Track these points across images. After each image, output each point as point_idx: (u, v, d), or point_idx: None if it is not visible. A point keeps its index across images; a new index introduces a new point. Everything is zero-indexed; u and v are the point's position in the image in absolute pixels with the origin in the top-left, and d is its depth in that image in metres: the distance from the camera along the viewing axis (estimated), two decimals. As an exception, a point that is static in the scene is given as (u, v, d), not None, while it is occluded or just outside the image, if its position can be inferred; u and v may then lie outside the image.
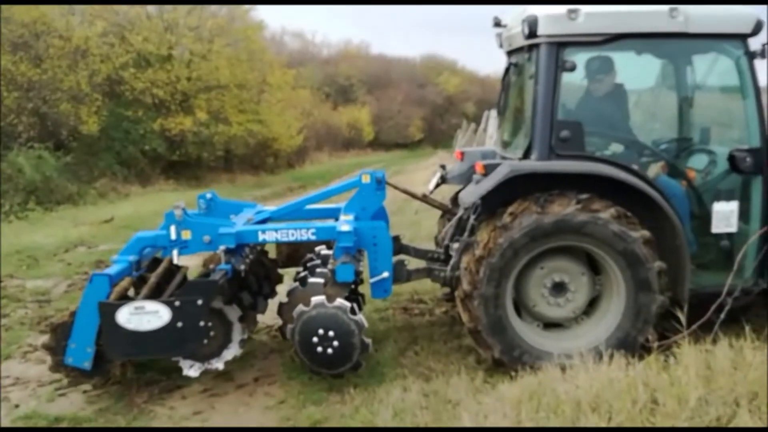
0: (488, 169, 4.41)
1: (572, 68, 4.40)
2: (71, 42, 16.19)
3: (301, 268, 5.16)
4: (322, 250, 5.14)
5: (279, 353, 4.94)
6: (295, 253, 5.31)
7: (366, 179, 4.87)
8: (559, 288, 4.41)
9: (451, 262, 4.68)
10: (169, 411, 4.16)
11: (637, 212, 4.24)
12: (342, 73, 46.85)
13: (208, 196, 5.07)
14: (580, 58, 4.52)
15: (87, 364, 4.15)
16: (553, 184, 4.25)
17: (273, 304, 6.38)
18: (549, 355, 4.22)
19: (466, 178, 5.14)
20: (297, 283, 4.74)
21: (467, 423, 3.47)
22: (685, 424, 3.29)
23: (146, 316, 4.02)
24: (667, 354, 3.89)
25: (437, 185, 5.48)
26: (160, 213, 13.01)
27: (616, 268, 4.27)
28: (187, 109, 19.49)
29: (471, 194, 4.45)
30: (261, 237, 4.56)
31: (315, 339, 4.10)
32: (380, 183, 4.88)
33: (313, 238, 4.57)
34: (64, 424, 3.97)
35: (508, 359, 4.27)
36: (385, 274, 4.58)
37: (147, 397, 4.34)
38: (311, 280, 4.50)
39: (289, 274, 5.56)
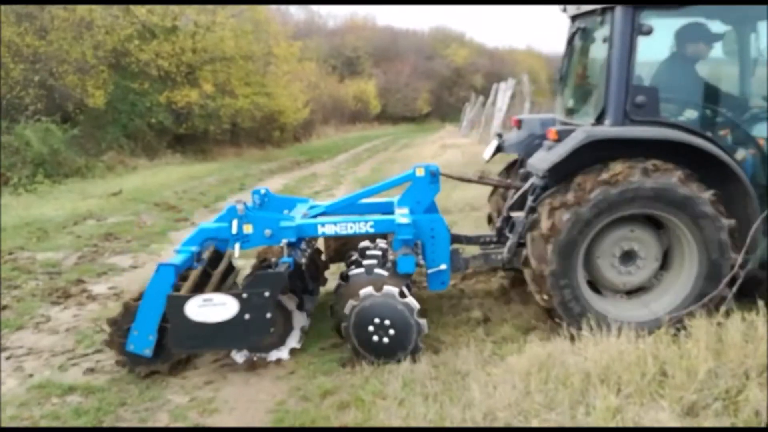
0: (561, 135, 4.36)
1: (649, 32, 4.30)
2: (76, 13, 16.08)
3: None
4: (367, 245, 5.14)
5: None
6: (342, 248, 5.32)
7: (420, 173, 4.86)
8: (628, 256, 4.38)
9: (508, 243, 4.71)
10: (181, 380, 4.21)
11: (710, 179, 4.18)
12: (348, 44, 46.50)
13: (263, 191, 5.11)
14: (655, 22, 4.39)
15: (148, 351, 4.16)
16: (624, 151, 4.18)
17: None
18: (628, 324, 4.07)
19: (525, 146, 5.10)
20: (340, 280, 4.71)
21: (476, 394, 3.49)
22: (694, 397, 3.31)
23: (214, 308, 4.03)
24: (679, 327, 3.89)
25: (494, 154, 5.42)
26: (168, 186, 13.08)
27: (686, 231, 4.17)
28: (193, 82, 19.42)
29: (544, 161, 4.35)
30: (321, 230, 4.61)
31: (371, 330, 4.10)
32: (434, 176, 4.86)
33: (371, 230, 4.59)
34: (77, 394, 4.02)
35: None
36: (443, 266, 4.61)
37: (160, 366, 4.39)
38: (353, 272, 4.48)
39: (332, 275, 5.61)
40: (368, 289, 4.13)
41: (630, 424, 3.16)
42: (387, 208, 5.09)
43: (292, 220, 4.63)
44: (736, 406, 3.28)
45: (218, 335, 4.07)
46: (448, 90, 49.18)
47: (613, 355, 3.57)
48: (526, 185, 4.77)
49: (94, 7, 16.71)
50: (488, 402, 3.42)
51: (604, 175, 4.09)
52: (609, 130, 4.27)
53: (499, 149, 5.33)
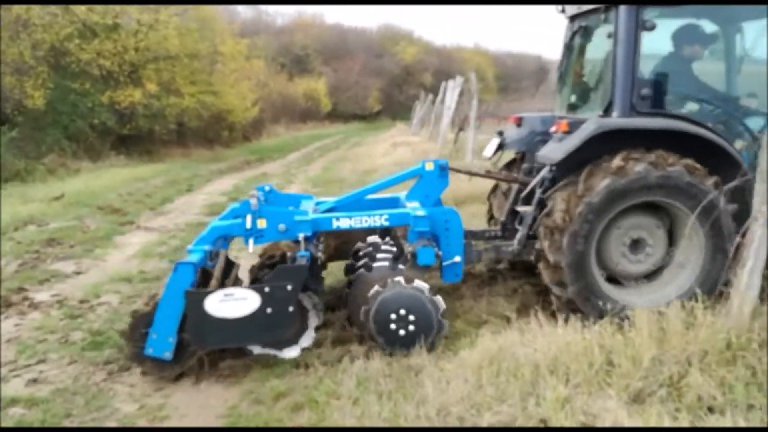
0: (572, 127, 4.48)
1: (652, 27, 4.48)
2: (11, 11, 15.46)
3: (350, 260, 5.13)
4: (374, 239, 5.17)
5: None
6: (342, 246, 5.29)
7: (429, 167, 4.93)
8: (637, 244, 4.51)
9: (518, 236, 4.80)
10: (129, 389, 4.10)
11: (712, 168, 4.35)
12: (297, 42, 46.16)
13: (267, 188, 5.02)
14: (657, 19, 4.56)
15: (168, 355, 4.08)
16: (630, 142, 4.31)
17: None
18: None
19: (526, 143, 5.23)
20: (362, 270, 4.68)
21: (430, 390, 3.52)
22: (640, 384, 3.42)
23: (235, 303, 3.99)
24: (622, 316, 4.00)
25: (496, 151, 5.51)
26: (112, 188, 12.67)
27: (692, 217, 4.26)
28: (137, 81, 18.91)
29: (557, 151, 4.45)
30: (335, 224, 4.58)
31: (392, 319, 4.11)
32: (443, 170, 4.91)
33: (386, 224, 4.60)
34: (19, 406, 3.87)
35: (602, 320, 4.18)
36: (457, 258, 4.63)
37: (106, 375, 4.27)
38: (376, 264, 4.49)
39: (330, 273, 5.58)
40: (399, 279, 4.16)
41: (579, 414, 3.24)
42: (393, 204, 5.11)
43: (306, 215, 4.59)
44: (679, 392, 3.41)
45: (239, 330, 4.03)
46: (398, 88, 49.41)
47: (561, 346, 3.65)
48: (538, 178, 4.84)
49: (30, 5, 16.10)
50: (441, 397, 3.45)
51: (614, 166, 4.22)
52: (619, 120, 4.43)
53: (500, 146, 5.43)
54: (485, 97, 39.79)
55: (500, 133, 5.51)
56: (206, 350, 4.20)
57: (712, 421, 3.12)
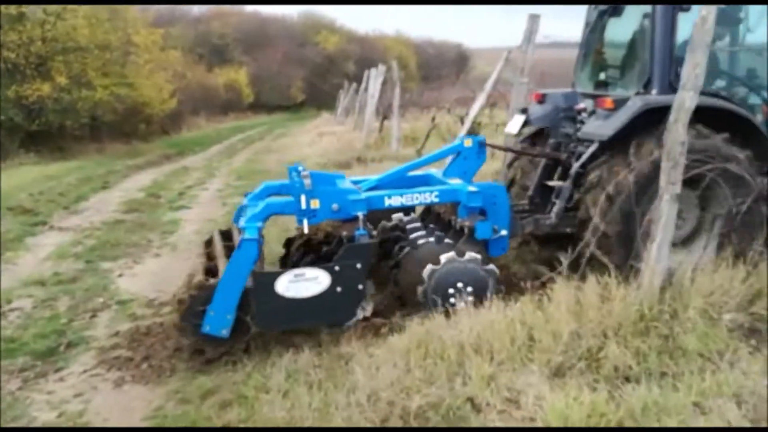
0: (617, 104, 4.64)
1: (688, 8, 4.64)
2: None
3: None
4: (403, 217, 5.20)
5: (163, 331, 4.74)
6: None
7: (468, 143, 5.02)
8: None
9: (555, 209, 4.93)
10: (46, 396, 3.92)
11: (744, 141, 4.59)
12: (215, 32, 44.93)
13: (300, 168, 4.87)
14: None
15: (225, 332, 4.01)
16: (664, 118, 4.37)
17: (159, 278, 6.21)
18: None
19: (550, 119, 5.39)
20: (408, 248, 4.65)
21: (360, 376, 3.53)
22: (560, 358, 3.55)
23: (305, 283, 4.03)
24: (542, 293, 4.13)
25: (522, 127, 5.60)
26: (22, 188, 12.02)
27: (726, 186, 4.46)
28: (45, 74, 17.92)
29: (605, 127, 4.61)
30: (387, 202, 4.60)
31: (450, 294, 4.15)
32: (481, 147, 5.01)
33: (437, 200, 4.72)
34: (-75, 422, 3.62)
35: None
36: (504, 232, 4.68)
37: (21, 383, 4.06)
38: (421, 241, 4.51)
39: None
40: (451, 254, 4.23)
41: (504, 390, 3.33)
42: (427, 181, 5.14)
43: (359, 194, 4.56)
44: (597, 364, 3.57)
45: (310, 310, 4.05)
46: (321, 77, 48.91)
47: (485, 325, 3.75)
48: (591, 148, 4.88)
49: None
50: (371, 383, 3.47)
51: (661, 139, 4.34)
52: (662, 98, 4.58)
53: (526, 123, 5.55)
54: (409, 86, 40.04)
55: (524, 111, 5.65)
56: (271, 331, 4.18)
57: (629, 390, 3.27)
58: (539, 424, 3.09)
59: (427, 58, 61.37)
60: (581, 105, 5.26)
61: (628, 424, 3.05)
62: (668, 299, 3.85)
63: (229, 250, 4.45)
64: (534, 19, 6.07)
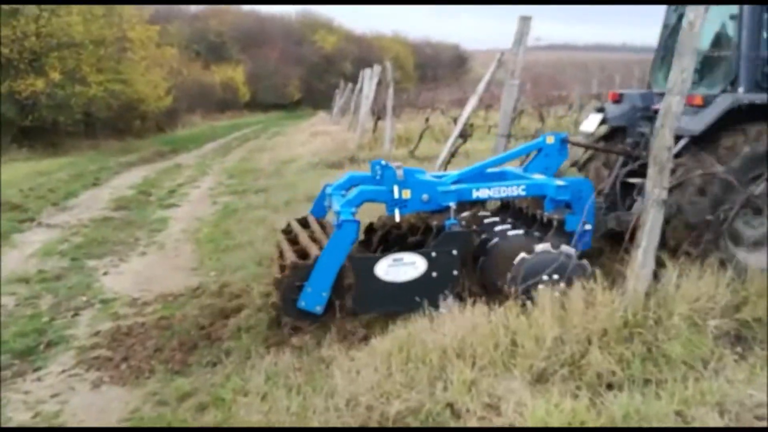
0: (706, 101, 4.77)
1: None
2: None
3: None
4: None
5: (144, 331, 4.69)
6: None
7: (551, 140, 5.12)
8: (758, 211, 4.79)
9: (637, 204, 4.98)
10: (23, 396, 3.85)
11: None
12: (212, 29, 44.83)
13: (383, 162, 4.94)
14: None
15: (319, 309, 4.18)
16: (750, 115, 4.64)
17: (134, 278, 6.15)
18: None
19: (627, 118, 5.52)
20: (496, 239, 4.71)
21: (339, 380, 3.48)
22: (543, 364, 3.50)
23: (403, 267, 4.16)
24: (525, 298, 4.09)
25: (600, 125, 5.69)
26: (12, 183, 11.96)
27: None
28: (39, 69, 17.84)
29: (696, 123, 4.72)
30: (475, 194, 4.70)
31: (538, 282, 4.18)
32: (564, 144, 5.10)
33: (523, 194, 4.77)
34: None
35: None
36: (589, 227, 4.73)
37: (-3, 383, 4.00)
38: (511, 233, 4.59)
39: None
40: (545, 245, 4.28)
41: (485, 396, 3.28)
42: (505, 176, 5.19)
43: (448, 186, 4.66)
44: (580, 370, 3.52)
45: (406, 294, 4.16)
46: (318, 77, 48.88)
47: (468, 330, 3.69)
48: (678, 146, 4.83)
49: None
50: (351, 388, 3.42)
51: (751, 135, 4.56)
52: (751, 96, 4.75)
53: (603, 121, 5.65)
54: (406, 86, 40.07)
55: (600, 110, 5.74)
56: (367, 314, 4.24)
57: (611, 398, 3.23)
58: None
59: (424, 59, 61.38)
60: (662, 104, 5.28)
61: (609, 432, 3.01)
62: (653, 305, 3.81)
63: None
64: (525, 21, 6.03)
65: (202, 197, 10.67)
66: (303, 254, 4.54)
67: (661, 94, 5.35)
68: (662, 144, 3.69)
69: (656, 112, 5.11)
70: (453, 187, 4.68)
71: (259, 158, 16.21)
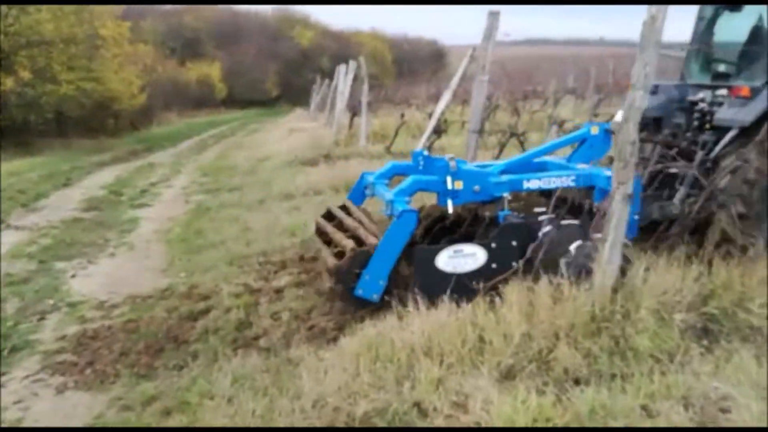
0: (754, 93, 4.88)
1: None
2: None
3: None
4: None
5: (110, 334, 4.62)
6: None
7: (595, 131, 5.20)
8: None
9: (679, 195, 5.07)
10: (-16, 403, 3.77)
11: None
12: (187, 25, 44.35)
13: (425, 153, 5.03)
14: None
15: (376, 297, 4.19)
16: None
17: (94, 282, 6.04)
18: None
19: (663, 109, 5.59)
20: (549, 227, 4.62)
21: (306, 381, 3.44)
22: (511, 361, 3.49)
23: (464, 258, 4.17)
24: (493, 294, 4.08)
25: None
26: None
27: None
28: (8, 68, 17.49)
29: (745, 114, 4.81)
30: (526, 185, 4.77)
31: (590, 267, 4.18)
32: (607, 134, 5.16)
33: (572, 184, 4.82)
34: None
35: None
36: (636, 216, 4.74)
37: (-42, 389, 3.90)
38: (564, 222, 4.57)
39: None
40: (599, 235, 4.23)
41: (452, 394, 3.26)
42: (548, 167, 5.24)
43: (499, 177, 4.71)
44: (548, 366, 3.51)
45: (463, 284, 4.13)
46: (296, 72, 48.57)
47: (436, 327, 3.67)
48: (728, 137, 5.00)
49: None
50: (318, 388, 3.38)
51: None
52: None
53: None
54: (384, 82, 39.97)
55: None
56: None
57: (577, 393, 3.23)
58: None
59: (402, 54, 61.31)
60: (700, 95, 5.43)
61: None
62: (620, 299, 3.81)
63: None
64: (493, 16, 6.01)
65: (175, 196, 10.55)
66: (359, 241, 4.52)
67: (696, 86, 5.65)
68: (626, 139, 3.69)
69: (692, 103, 5.45)
70: (504, 178, 4.74)
71: (234, 156, 16.07)
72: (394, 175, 5.14)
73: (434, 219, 4.96)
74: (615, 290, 3.86)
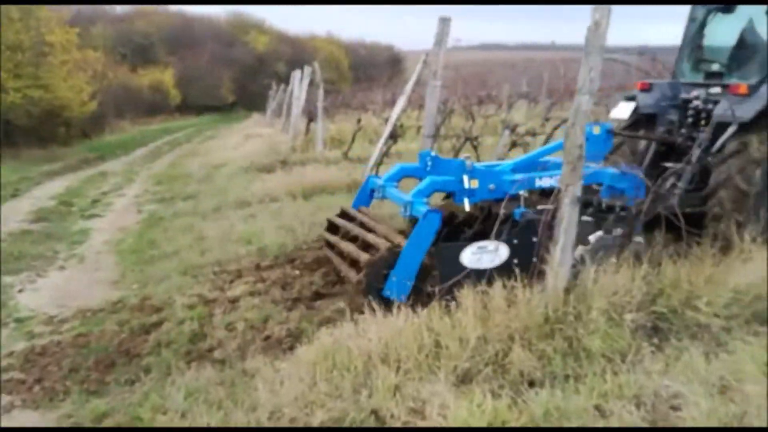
0: (751, 91, 5.20)
1: None
2: None
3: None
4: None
5: (60, 350, 4.48)
6: None
7: (597, 131, 5.36)
8: None
9: (678, 189, 5.18)
10: (-76, 424, 3.60)
11: None
12: (139, 31, 43.49)
13: (433, 153, 5.20)
14: None
15: (404, 297, 4.22)
16: None
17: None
18: None
19: (658, 106, 5.85)
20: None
21: (262, 393, 3.40)
22: (467, 365, 3.51)
23: (487, 255, 4.27)
24: (449, 298, 4.10)
25: (633, 112, 5.93)
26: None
27: None
28: (-50, 76, 16.85)
29: (745, 110, 5.10)
30: (538, 183, 4.93)
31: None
32: (609, 134, 5.40)
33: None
34: None
35: None
36: None
37: None
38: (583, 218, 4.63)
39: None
40: (617, 230, 4.60)
41: (409, 401, 3.27)
42: (545, 167, 5.42)
43: (512, 175, 4.87)
44: (504, 369, 3.55)
45: (488, 279, 4.14)
46: (252, 78, 48.01)
47: (393, 333, 3.67)
48: (729, 132, 5.20)
49: None
50: (274, 400, 3.35)
51: None
52: None
53: (636, 109, 5.92)
54: (341, 87, 39.88)
55: (631, 98, 6.02)
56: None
57: (532, 395, 3.26)
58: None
59: (359, 60, 61.34)
60: (694, 93, 5.70)
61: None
62: (573, 301, 3.88)
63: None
64: (444, 22, 6.06)
65: (127, 206, 10.32)
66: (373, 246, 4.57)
67: (688, 84, 5.95)
68: (573, 142, 3.76)
69: (685, 101, 5.74)
70: (518, 176, 4.90)
71: (189, 163, 15.82)
72: (402, 176, 5.28)
73: (445, 218, 5.00)
74: (567, 292, 3.93)
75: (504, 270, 4.26)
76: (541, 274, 4.07)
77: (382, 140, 9.17)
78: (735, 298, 4.17)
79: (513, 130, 8.21)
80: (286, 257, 5.97)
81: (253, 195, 9.11)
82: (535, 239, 4.38)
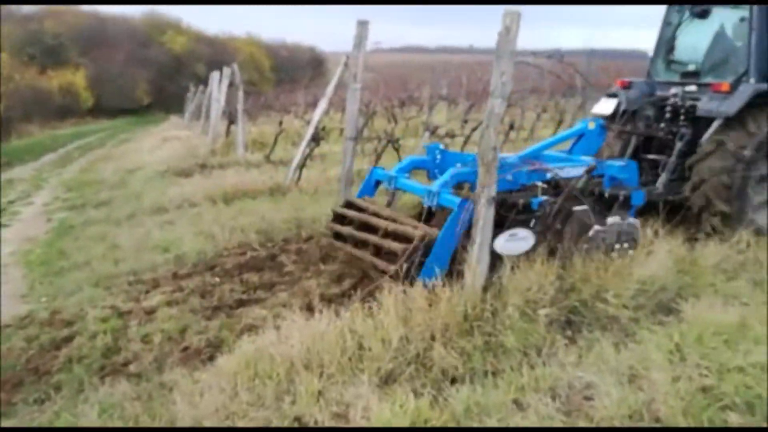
0: (732, 88, 5.62)
1: None
2: None
3: None
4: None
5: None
6: None
7: (591, 126, 5.84)
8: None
9: (662, 180, 5.83)
10: None
11: None
12: (48, 31, 41.40)
13: (442, 146, 5.50)
14: None
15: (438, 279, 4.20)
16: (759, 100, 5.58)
17: None
18: None
19: (638, 102, 6.25)
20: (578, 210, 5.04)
21: (181, 406, 3.31)
22: (390, 365, 3.54)
23: (517, 242, 4.45)
24: (371, 300, 4.12)
25: (616, 109, 6.29)
26: None
27: None
28: None
29: (729, 106, 5.53)
30: (548, 175, 5.13)
31: (616, 248, 4.86)
32: (602, 129, 5.85)
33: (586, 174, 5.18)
34: None
35: None
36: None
37: None
38: (578, 208, 4.94)
39: None
40: (616, 218, 4.94)
41: (333, 405, 3.26)
42: (551, 159, 5.55)
43: (527, 167, 5.06)
44: (426, 368, 3.60)
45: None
46: (169, 79, 46.65)
47: (315, 338, 3.65)
48: (716, 124, 5.71)
49: None
50: (193, 412, 3.26)
51: None
52: (766, 86, 5.68)
53: (619, 106, 6.29)
54: (263, 88, 39.30)
55: (613, 95, 6.42)
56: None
57: (453, 392, 3.32)
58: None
59: (281, 61, 60.67)
60: (672, 91, 6.16)
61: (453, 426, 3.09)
62: (490, 298, 3.98)
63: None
64: (362, 25, 6.07)
65: (35, 214, 9.78)
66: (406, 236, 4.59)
67: (663, 83, 6.43)
68: (488, 144, 3.86)
69: (661, 98, 6.22)
70: (532, 168, 5.13)
71: (102, 168, 15.17)
72: (413, 168, 5.47)
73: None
74: (485, 289, 4.03)
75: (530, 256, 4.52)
76: (461, 274, 4.16)
77: (304, 143, 9.12)
78: (641, 289, 4.40)
79: (433, 132, 8.35)
80: (205, 264, 5.82)
81: (171, 200, 8.82)
82: (558, 226, 4.78)
